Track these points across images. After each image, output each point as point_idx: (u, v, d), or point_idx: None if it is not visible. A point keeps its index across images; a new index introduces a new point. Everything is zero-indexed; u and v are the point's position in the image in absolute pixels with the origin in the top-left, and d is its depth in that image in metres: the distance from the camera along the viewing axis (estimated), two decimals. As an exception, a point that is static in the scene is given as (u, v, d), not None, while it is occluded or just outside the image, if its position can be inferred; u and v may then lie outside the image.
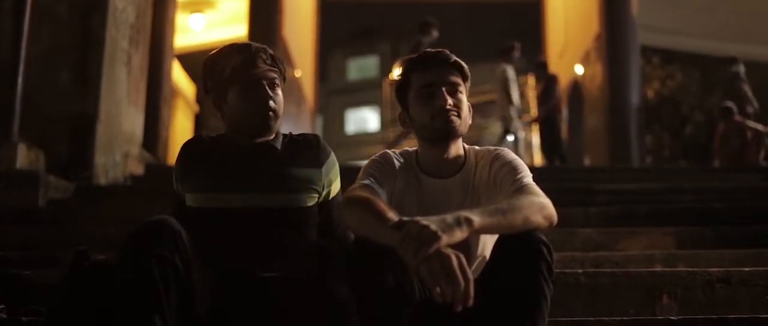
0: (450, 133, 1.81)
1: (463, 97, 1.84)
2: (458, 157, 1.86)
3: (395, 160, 1.87)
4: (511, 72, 7.64)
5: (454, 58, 1.85)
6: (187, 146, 1.93)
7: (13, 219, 3.57)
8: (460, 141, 1.87)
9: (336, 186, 1.97)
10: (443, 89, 1.80)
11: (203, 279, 1.73)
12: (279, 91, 1.88)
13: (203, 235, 1.75)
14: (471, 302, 1.40)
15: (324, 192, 1.93)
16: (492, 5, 17.66)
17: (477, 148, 1.90)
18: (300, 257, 1.71)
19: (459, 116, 1.81)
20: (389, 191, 1.80)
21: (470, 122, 1.88)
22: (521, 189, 1.68)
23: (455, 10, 18.48)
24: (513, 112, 7.62)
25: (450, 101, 1.79)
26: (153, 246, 1.59)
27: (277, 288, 1.72)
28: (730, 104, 7.78)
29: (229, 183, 1.85)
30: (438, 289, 1.40)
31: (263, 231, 1.82)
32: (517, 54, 7.75)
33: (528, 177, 1.74)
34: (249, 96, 1.83)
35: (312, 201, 1.90)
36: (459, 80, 1.84)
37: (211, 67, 1.87)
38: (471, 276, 1.42)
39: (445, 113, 1.79)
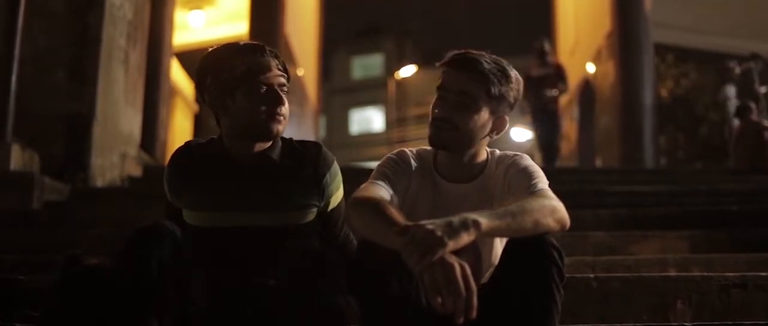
0: (434, 143, 1.75)
1: (471, 108, 1.70)
2: (477, 162, 1.78)
3: (412, 161, 1.80)
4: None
5: (476, 63, 1.70)
6: (179, 158, 1.88)
7: (8, 222, 3.53)
8: (478, 145, 1.76)
9: (337, 197, 1.92)
10: (441, 96, 1.73)
11: (200, 286, 1.74)
12: (285, 98, 1.84)
13: (201, 250, 1.77)
14: (474, 314, 1.34)
15: (323, 204, 1.89)
16: (500, 2, 17.56)
17: (498, 152, 1.82)
18: (297, 265, 1.74)
19: (450, 127, 1.70)
20: (402, 193, 1.74)
21: (483, 134, 1.74)
22: (534, 194, 1.61)
23: (462, 7, 18.44)
24: None
25: (437, 112, 1.72)
26: (152, 249, 1.63)
27: (273, 296, 1.73)
28: (749, 103, 7.65)
29: (227, 203, 1.82)
30: (439, 299, 1.34)
31: (262, 247, 1.80)
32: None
33: (542, 182, 1.67)
34: (262, 99, 1.77)
35: (311, 215, 1.87)
36: (470, 88, 1.70)
37: (218, 63, 1.80)
38: (474, 287, 1.35)
39: (431, 123, 1.74)
